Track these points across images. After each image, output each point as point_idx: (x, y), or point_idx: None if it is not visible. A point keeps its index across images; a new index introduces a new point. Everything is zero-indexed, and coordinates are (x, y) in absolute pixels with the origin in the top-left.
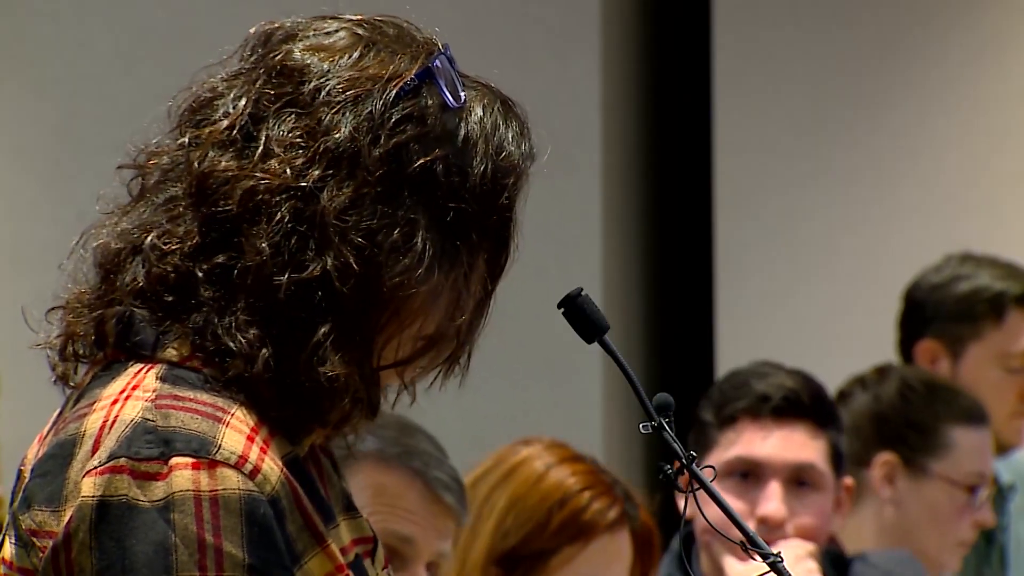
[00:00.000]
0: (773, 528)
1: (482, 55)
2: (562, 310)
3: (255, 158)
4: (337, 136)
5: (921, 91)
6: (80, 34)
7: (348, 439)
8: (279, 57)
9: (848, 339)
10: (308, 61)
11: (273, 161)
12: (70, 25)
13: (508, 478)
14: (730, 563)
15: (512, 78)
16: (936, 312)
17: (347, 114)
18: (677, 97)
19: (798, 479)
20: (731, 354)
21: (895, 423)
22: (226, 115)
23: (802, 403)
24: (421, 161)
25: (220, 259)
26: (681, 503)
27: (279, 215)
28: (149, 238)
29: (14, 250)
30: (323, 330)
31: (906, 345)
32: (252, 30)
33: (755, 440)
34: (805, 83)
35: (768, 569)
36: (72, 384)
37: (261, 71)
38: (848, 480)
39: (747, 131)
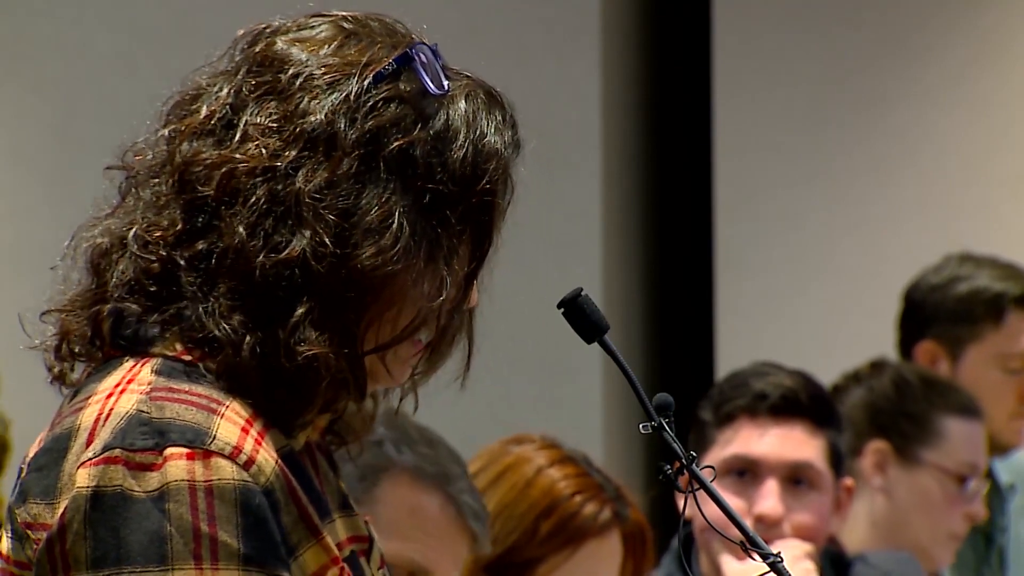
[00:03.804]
0: (769, 526)
1: (482, 55)
2: (562, 310)
3: (233, 143)
4: (313, 119)
5: (921, 91)
6: (80, 34)
7: (351, 451)
8: (261, 48)
9: (848, 339)
10: (289, 51)
11: (250, 145)
12: (70, 25)
13: (497, 482)
14: (727, 562)
15: (512, 78)
16: (935, 313)
17: (323, 98)
18: (677, 97)
19: (795, 478)
20: (731, 354)
21: (888, 412)
22: (208, 106)
23: (800, 402)
24: (398, 143)
25: (201, 245)
26: (681, 503)
27: (255, 197)
28: (134, 230)
29: (14, 251)
30: (301, 311)
31: (906, 346)
32: (240, 32)
33: (752, 438)
34: (805, 83)
35: (767, 569)
36: (70, 383)
37: (244, 64)
38: (849, 481)
39: (747, 131)
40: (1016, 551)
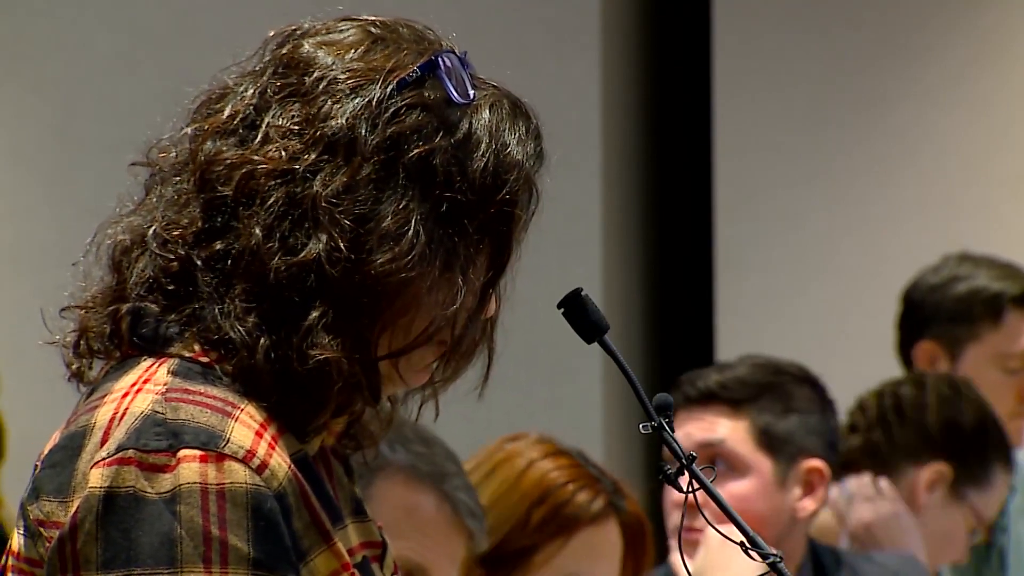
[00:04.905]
0: (692, 512)
1: (482, 55)
2: (562, 310)
3: (254, 144)
4: (334, 123)
5: (921, 91)
6: (80, 34)
7: (366, 454)
8: (288, 50)
9: (848, 339)
10: (315, 54)
11: (270, 147)
12: (70, 25)
13: (489, 476)
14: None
15: (512, 78)
16: (934, 313)
17: (346, 102)
18: (677, 97)
19: (711, 461)
20: (731, 354)
21: (966, 443)
22: (232, 106)
23: (711, 390)
24: (418, 150)
25: (219, 245)
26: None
27: (273, 198)
28: (153, 228)
29: (14, 251)
30: (315, 314)
31: (905, 346)
32: (271, 33)
33: (676, 428)
34: (805, 83)
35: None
36: (87, 380)
37: (270, 65)
38: (814, 463)
39: (747, 131)
40: (1016, 551)
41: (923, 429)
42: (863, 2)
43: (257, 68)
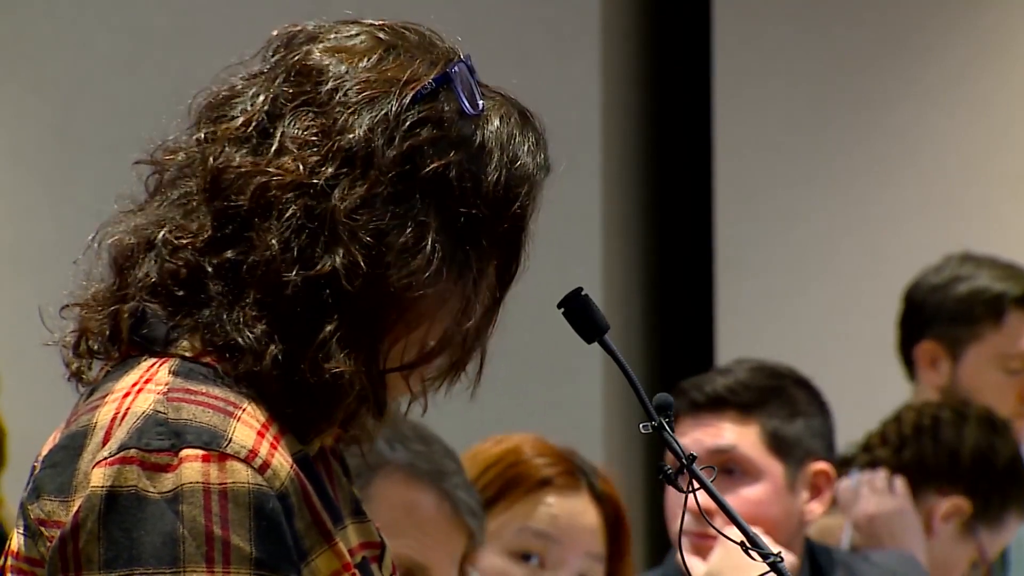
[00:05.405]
0: (698, 518)
1: (482, 55)
2: (562, 310)
3: (269, 155)
4: (351, 136)
5: (921, 91)
6: (80, 34)
7: (363, 449)
8: (298, 57)
9: (848, 339)
10: (327, 62)
11: (287, 158)
12: (70, 25)
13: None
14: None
15: (512, 78)
16: (936, 313)
17: (362, 115)
18: (677, 97)
19: (725, 467)
20: (731, 354)
21: (992, 482)
22: (243, 112)
23: (720, 395)
24: (434, 164)
25: (230, 254)
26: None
27: (290, 211)
28: (162, 233)
29: (14, 250)
30: (329, 328)
31: (906, 346)
32: (275, 32)
33: (682, 436)
34: (805, 83)
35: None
36: (87, 381)
37: (280, 71)
38: (820, 466)
39: (747, 131)
40: (1017, 551)
41: (955, 458)
42: (863, 2)
43: (265, 70)
